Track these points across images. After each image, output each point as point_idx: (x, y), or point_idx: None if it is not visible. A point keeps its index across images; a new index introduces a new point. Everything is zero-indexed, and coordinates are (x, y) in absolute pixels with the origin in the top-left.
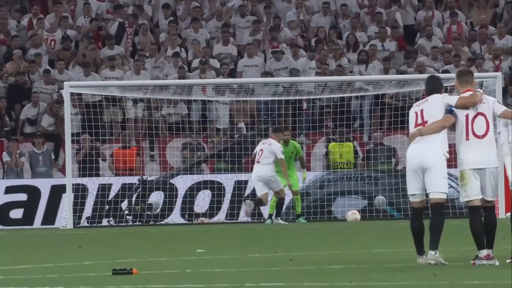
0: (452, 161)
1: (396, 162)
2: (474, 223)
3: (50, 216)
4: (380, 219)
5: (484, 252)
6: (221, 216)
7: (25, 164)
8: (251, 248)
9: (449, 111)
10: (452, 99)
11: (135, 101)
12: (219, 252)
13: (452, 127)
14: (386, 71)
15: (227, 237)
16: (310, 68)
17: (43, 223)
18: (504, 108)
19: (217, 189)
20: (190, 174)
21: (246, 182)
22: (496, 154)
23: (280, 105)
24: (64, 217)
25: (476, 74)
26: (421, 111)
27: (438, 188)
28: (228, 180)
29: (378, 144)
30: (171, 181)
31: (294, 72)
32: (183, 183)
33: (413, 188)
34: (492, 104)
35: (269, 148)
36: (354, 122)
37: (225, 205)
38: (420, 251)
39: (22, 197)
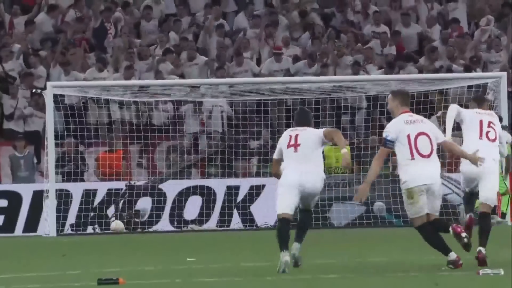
0: (452, 165)
1: (393, 167)
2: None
3: (32, 223)
4: (379, 226)
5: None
6: (211, 223)
7: (6, 169)
8: (244, 257)
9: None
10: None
11: (121, 102)
12: (210, 261)
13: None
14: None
15: (218, 245)
16: (306, 73)
17: (24, 230)
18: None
19: (207, 195)
20: (179, 179)
21: (237, 187)
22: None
23: (274, 107)
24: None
25: (479, 74)
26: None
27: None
28: (219, 186)
29: (376, 147)
30: (160, 186)
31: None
32: (172, 188)
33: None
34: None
35: None
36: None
37: (216, 211)
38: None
39: (3, 203)
